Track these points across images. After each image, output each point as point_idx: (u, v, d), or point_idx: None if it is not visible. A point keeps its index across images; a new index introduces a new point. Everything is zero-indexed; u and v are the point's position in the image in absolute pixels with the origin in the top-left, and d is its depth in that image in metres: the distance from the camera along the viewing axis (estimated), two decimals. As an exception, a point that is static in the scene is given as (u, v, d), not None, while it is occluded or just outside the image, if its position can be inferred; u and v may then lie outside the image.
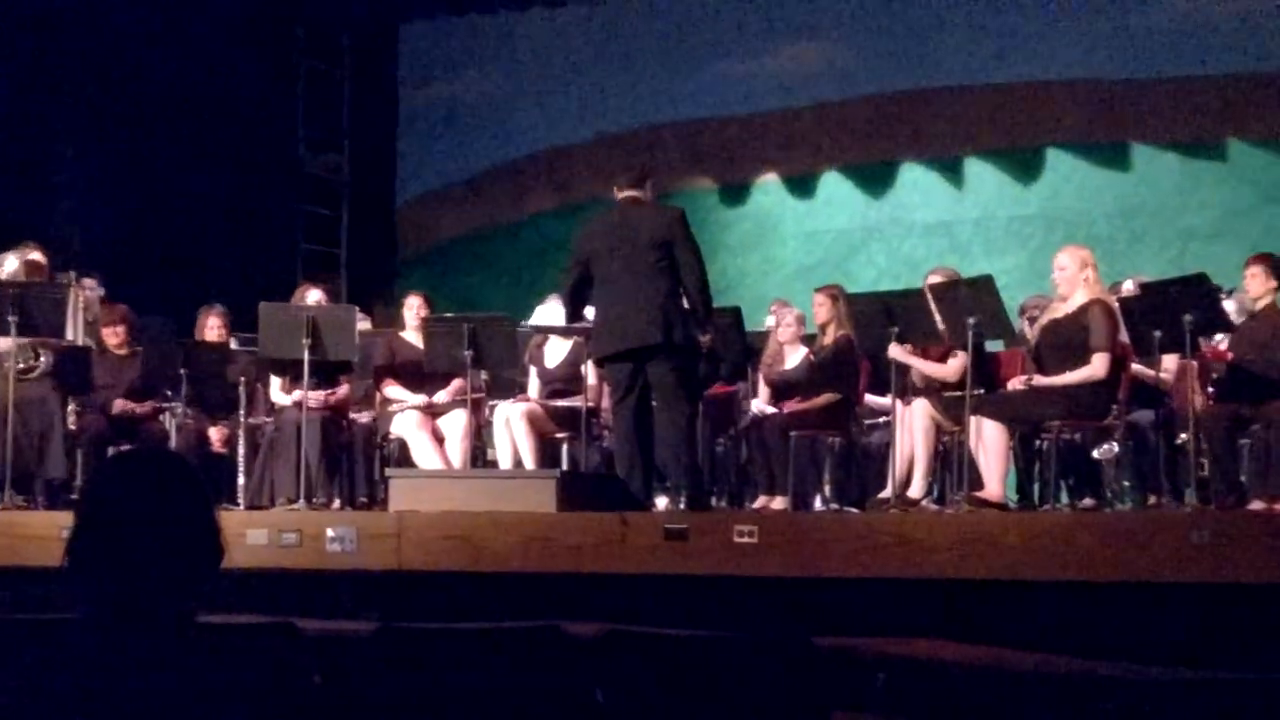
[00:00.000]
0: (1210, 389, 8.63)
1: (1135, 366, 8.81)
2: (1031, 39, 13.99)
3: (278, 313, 9.39)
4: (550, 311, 10.21)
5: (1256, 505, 7.66)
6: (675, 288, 8.27)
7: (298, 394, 9.37)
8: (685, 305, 8.27)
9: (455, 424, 9.70)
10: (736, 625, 5.78)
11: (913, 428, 8.73)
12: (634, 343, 8.24)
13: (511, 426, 9.71)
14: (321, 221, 15.49)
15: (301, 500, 8.91)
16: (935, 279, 8.99)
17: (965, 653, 6.46)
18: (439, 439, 9.74)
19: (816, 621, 6.44)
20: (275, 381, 9.88)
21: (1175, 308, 8.01)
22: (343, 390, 9.95)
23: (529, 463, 9.59)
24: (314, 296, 10.06)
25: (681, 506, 8.23)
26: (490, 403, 10.10)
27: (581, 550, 7.20)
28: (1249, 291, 8.76)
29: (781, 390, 9.87)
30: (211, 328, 10.43)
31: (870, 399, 9.83)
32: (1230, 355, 8.46)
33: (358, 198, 15.84)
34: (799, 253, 14.46)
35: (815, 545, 6.88)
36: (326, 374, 9.66)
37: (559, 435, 9.87)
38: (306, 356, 9.02)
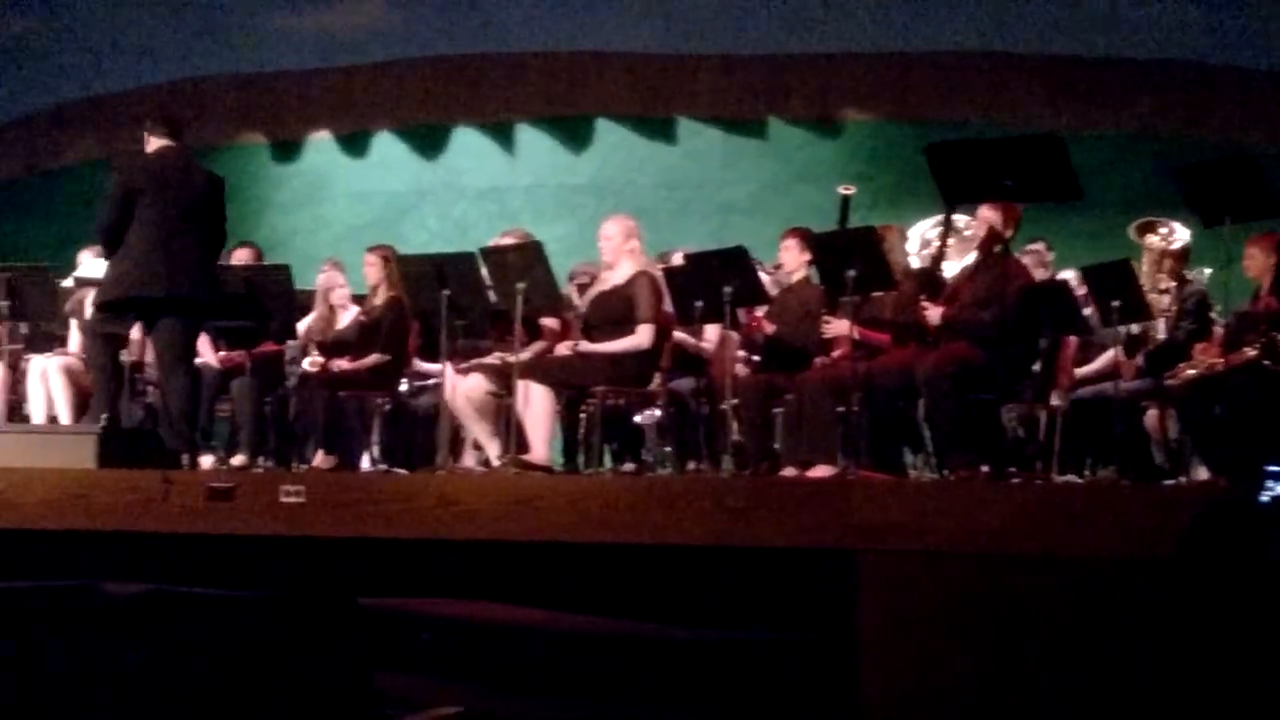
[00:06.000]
0: (753, 358, 8.94)
1: (678, 335, 9.04)
2: (583, 11, 14.22)
3: None
4: (95, 263, 9.90)
5: (789, 471, 7.95)
6: (212, 245, 8.36)
7: None
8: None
9: (-10, 377, 9.36)
10: (283, 586, 5.74)
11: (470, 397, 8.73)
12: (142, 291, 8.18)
13: (48, 380, 9.42)
14: None
15: None
16: (507, 240, 9.07)
17: (509, 613, 6.56)
18: (-28, 392, 9.39)
19: (363, 582, 6.45)
20: None
21: (716, 279, 8.25)
22: None
23: (65, 418, 9.33)
24: None
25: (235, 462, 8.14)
26: (26, 356, 9.75)
27: (123, 508, 7.03)
28: (783, 264, 9.09)
29: (332, 350, 9.81)
30: None
31: (419, 363, 9.84)
32: (770, 326, 8.77)
33: (-117, 137, 15.02)
34: (350, 213, 14.37)
35: (362, 505, 6.87)
36: None
37: (100, 391, 9.60)
38: None
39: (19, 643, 5.22)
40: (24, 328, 9.53)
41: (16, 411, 9.55)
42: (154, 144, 8.39)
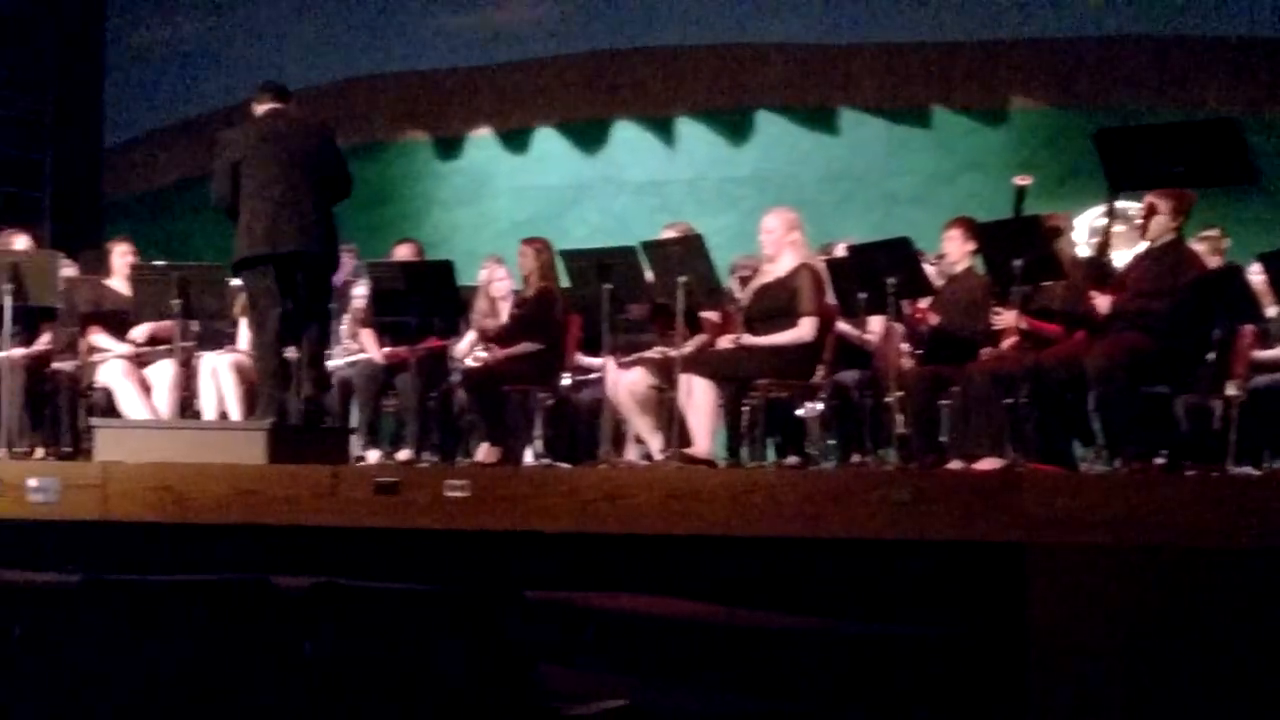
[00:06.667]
0: (918, 350, 8.84)
1: (841, 327, 8.98)
2: (742, 2, 14.17)
3: (-25, 258, 9.09)
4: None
5: (955, 464, 7.87)
6: (330, 195, 8.50)
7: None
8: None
9: (163, 374, 9.51)
10: (448, 579, 5.78)
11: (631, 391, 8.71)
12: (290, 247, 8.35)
13: (218, 377, 9.58)
14: (23, 165, 14.94)
15: (3, 449, 8.66)
16: (669, 234, 9.06)
17: (672, 606, 6.56)
18: (146, 389, 9.56)
19: (528, 575, 6.48)
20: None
21: (879, 270, 8.17)
22: (45, 338, 9.70)
23: (235, 414, 9.47)
24: (21, 243, 9.77)
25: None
26: (197, 353, 9.92)
27: (291, 503, 7.13)
28: (947, 254, 8.99)
29: (494, 343, 9.86)
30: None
31: (581, 357, 9.86)
32: (935, 318, 8.68)
33: (62, 141, 15.31)
34: (512, 208, 14.45)
35: (526, 499, 6.90)
36: (30, 321, 9.41)
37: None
38: (8, 303, 8.77)
39: (194, 636, 5.31)
40: (195, 325, 9.69)
41: (188, 408, 9.71)
42: (260, 109, 8.60)
